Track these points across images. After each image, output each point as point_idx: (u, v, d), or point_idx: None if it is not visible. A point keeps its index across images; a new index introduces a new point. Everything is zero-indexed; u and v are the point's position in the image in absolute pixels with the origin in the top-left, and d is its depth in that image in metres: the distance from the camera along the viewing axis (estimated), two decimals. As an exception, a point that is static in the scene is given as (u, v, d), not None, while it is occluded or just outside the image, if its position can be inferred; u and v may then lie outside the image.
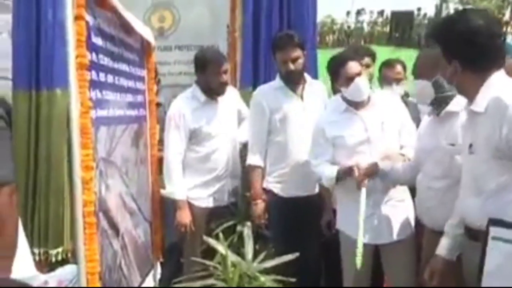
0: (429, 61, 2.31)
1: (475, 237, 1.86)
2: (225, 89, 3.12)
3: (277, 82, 3.09)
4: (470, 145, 1.83)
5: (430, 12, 21.81)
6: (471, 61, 1.77)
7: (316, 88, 3.16)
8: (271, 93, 3.06)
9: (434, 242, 2.31)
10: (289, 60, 2.97)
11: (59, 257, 3.47)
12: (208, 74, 3.06)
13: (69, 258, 3.50)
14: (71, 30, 1.82)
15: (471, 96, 1.81)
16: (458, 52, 1.79)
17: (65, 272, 2.75)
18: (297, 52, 2.97)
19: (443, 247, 2.06)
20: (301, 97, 3.06)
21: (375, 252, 2.66)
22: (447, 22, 1.90)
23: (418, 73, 2.36)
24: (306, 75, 3.14)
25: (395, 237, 2.59)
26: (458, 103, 2.26)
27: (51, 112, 3.41)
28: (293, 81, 3.04)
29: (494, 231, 1.73)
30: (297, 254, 2.41)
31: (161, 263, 3.32)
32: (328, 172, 2.65)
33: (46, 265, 3.35)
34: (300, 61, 2.99)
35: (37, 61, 3.44)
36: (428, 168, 2.32)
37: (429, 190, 2.29)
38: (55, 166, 3.42)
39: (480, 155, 1.78)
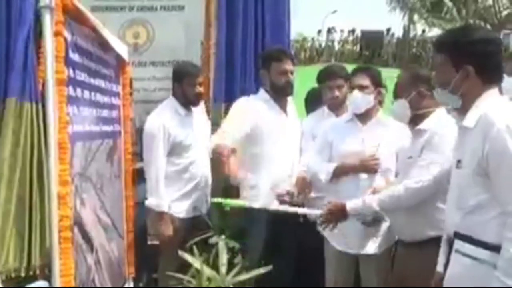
0: (406, 80, 2.43)
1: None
2: (200, 100, 3.21)
3: (262, 95, 3.12)
4: (459, 161, 1.88)
5: (398, 32, 22.46)
6: (484, 66, 1.82)
7: (293, 106, 3.25)
8: (257, 103, 3.09)
9: (402, 252, 2.39)
10: (288, 71, 3.06)
11: (22, 274, 3.37)
12: (185, 85, 3.15)
13: (37, 275, 3.43)
14: (50, 46, 1.84)
15: (470, 106, 1.85)
16: (473, 56, 1.82)
17: (35, 288, 2.72)
18: (292, 66, 3.10)
19: (439, 262, 2.08)
20: (285, 112, 3.14)
21: (356, 264, 2.74)
22: (460, 31, 1.98)
23: (398, 92, 2.45)
24: None
25: (375, 249, 2.67)
26: (427, 122, 2.36)
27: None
28: (286, 93, 3.11)
29: (457, 244, 1.83)
30: (270, 267, 2.45)
31: (134, 279, 3.31)
32: (326, 167, 2.77)
33: (12, 282, 3.27)
34: (293, 76, 3.11)
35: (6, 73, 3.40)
36: (398, 181, 2.41)
37: None
38: (20, 181, 3.31)
39: (465, 170, 1.83)
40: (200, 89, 3.19)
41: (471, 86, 1.82)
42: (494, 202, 1.72)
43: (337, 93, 3.04)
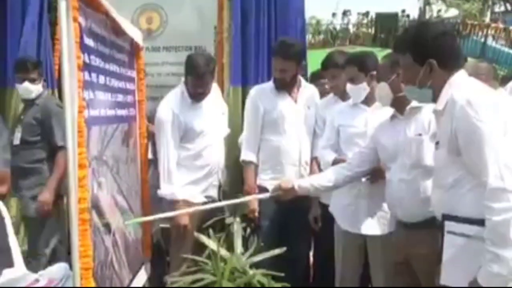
0: (386, 65, 2.46)
1: (439, 226, 1.97)
2: (201, 98, 3.12)
3: (271, 83, 3.19)
4: (437, 142, 1.99)
5: (414, 13, 22.11)
6: (445, 58, 1.93)
7: (310, 92, 3.26)
8: (267, 93, 3.16)
9: (404, 234, 2.39)
10: (276, 68, 3.09)
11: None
12: (188, 81, 3.10)
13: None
14: (66, 32, 1.87)
15: (440, 93, 1.95)
16: (434, 51, 1.92)
17: (56, 270, 2.78)
18: (287, 64, 3.05)
19: None
20: (295, 100, 3.17)
21: (365, 245, 2.75)
22: (418, 29, 2.05)
23: (378, 75, 2.51)
24: (302, 79, 3.24)
25: (382, 230, 2.68)
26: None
27: None
28: (277, 87, 3.14)
29: (448, 225, 1.88)
30: (284, 248, 2.48)
31: (150, 261, 3.37)
32: (327, 157, 2.85)
33: (35, 263, 3.36)
34: (288, 73, 3.07)
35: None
36: (397, 162, 2.41)
37: (401, 182, 2.37)
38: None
39: (441, 150, 1.93)
40: (201, 90, 3.08)
41: (437, 77, 1.93)
42: (468, 177, 1.81)
43: (330, 83, 3.13)
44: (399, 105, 2.43)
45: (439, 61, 1.91)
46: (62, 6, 1.86)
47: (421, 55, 1.94)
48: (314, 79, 3.66)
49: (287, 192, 2.65)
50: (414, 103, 2.38)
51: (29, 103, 3.26)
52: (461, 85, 1.88)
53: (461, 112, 1.77)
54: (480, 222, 1.72)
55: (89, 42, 2.22)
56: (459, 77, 1.92)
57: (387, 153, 2.47)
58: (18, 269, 2.56)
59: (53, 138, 3.15)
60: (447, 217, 1.88)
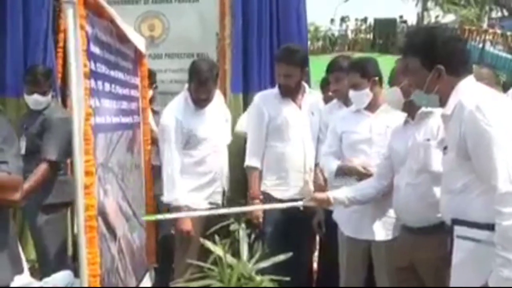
0: (399, 69, 2.46)
1: (447, 231, 1.98)
2: (205, 104, 3.14)
3: (275, 89, 3.21)
4: (445, 147, 2.00)
5: (412, 19, 22.23)
6: (454, 63, 1.92)
7: (314, 98, 3.28)
8: (271, 99, 3.18)
9: (410, 239, 2.39)
10: (280, 74, 3.10)
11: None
12: (191, 87, 3.12)
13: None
14: (73, 40, 1.88)
15: (448, 98, 1.94)
16: (444, 56, 1.91)
17: (60, 277, 2.78)
18: (291, 70, 3.06)
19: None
20: (300, 107, 3.19)
21: (369, 250, 2.76)
22: (427, 33, 2.03)
23: (393, 79, 2.52)
24: (305, 85, 3.25)
25: (386, 236, 2.68)
26: None
27: None
28: (282, 93, 3.15)
29: (457, 229, 1.88)
30: (290, 254, 2.48)
31: (155, 268, 3.36)
32: (331, 165, 2.83)
33: (40, 272, 3.36)
34: (293, 78, 3.09)
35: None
36: (406, 167, 2.42)
37: (408, 186, 2.38)
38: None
39: (450, 155, 1.93)
40: (204, 96, 3.09)
41: (444, 83, 1.92)
42: (477, 182, 1.81)
43: (333, 87, 3.12)
44: (410, 109, 2.42)
45: (447, 67, 1.90)
46: (69, 15, 1.87)
47: (430, 59, 1.92)
48: (323, 86, 3.67)
49: (322, 202, 2.64)
50: (424, 108, 2.38)
51: (35, 113, 3.20)
52: (469, 91, 1.87)
53: (469, 116, 1.77)
54: (490, 227, 1.72)
55: (95, 49, 2.22)
56: (467, 83, 1.91)
57: (398, 158, 2.47)
58: (24, 277, 2.56)
59: (42, 149, 3.05)
60: (456, 221, 1.88)
